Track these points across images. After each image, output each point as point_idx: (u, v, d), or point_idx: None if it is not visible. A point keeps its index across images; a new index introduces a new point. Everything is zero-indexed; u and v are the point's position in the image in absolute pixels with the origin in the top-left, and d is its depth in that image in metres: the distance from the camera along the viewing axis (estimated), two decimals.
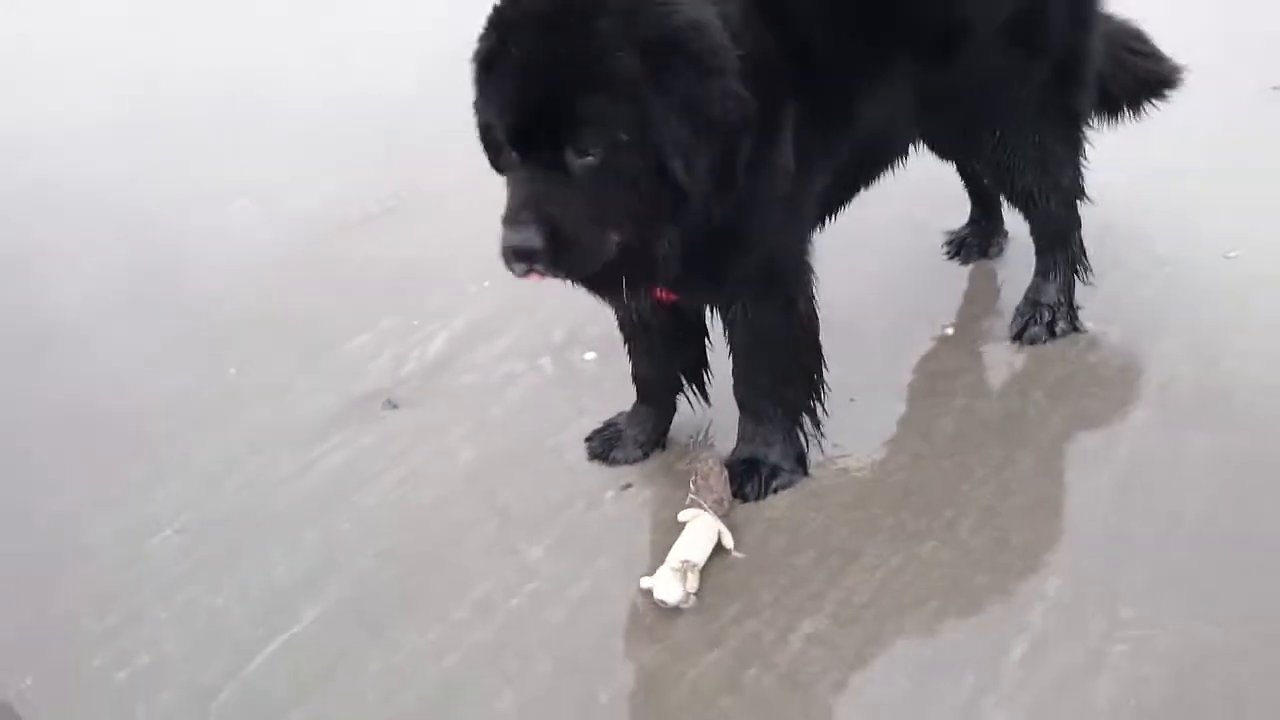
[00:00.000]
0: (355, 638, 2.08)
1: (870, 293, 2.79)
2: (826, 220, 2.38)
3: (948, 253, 2.91)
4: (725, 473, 2.27)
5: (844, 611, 2.00)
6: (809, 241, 2.23)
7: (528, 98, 1.75)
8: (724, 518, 2.19)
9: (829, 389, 2.32)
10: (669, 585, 2.03)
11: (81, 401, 2.83)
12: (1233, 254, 2.74)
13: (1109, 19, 2.60)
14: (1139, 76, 2.62)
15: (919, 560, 2.08)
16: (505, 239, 1.77)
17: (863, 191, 2.45)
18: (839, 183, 2.31)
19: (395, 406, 2.67)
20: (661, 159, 1.79)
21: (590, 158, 1.76)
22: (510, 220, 1.77)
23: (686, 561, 2.06)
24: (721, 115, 1.79)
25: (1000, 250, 2.89)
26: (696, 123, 1.77)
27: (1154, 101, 2.67)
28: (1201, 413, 2.32)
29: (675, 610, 2.03)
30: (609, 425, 2.45)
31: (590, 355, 2.73)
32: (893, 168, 2.48)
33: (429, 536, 2.30)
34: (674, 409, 2.45)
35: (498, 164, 1.90)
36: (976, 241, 2.89)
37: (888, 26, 2.20)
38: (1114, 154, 2.68)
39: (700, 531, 2.13)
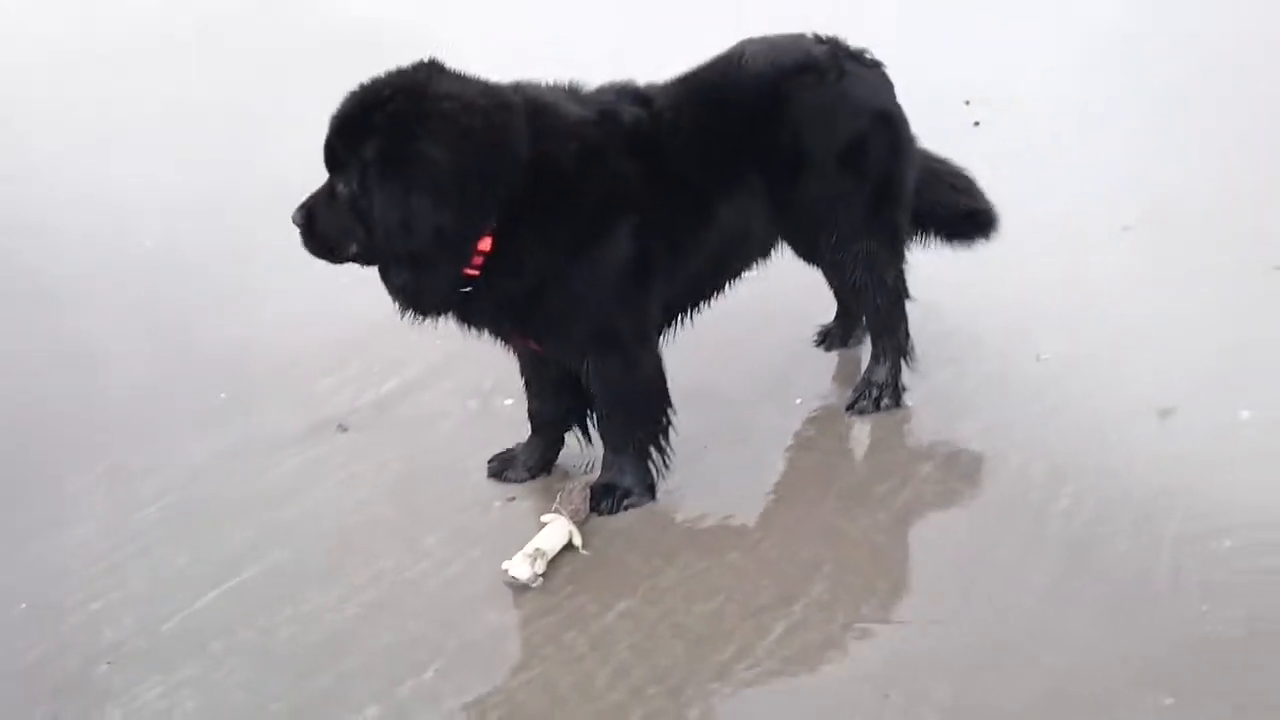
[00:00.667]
0: (279, 590, 2.69)
1: (744, 366, 3.37)
2: (705, 298, 2.99)
3: (815, 341, 3.50)
4: (587, 492, 2.85)
5: (651, 595, 2.56)
6: (649, 314, 2.81)
7: (327, 140, 2.54)
8: (579, 525, 2.76)
9: (678, 434, 2.89)
10: (520, 566, 2.60)
11: (103, 406, 3.52)
12: (1044, 356, 3.31)
13: (941, 161, 3.24)
14: (957, 210, 3.24)
15: (721, 565, 2.64)
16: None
17: (735, 279, 3.06)
18: (710, 269, 2.95)
19: (346, 430, 3.29)
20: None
21: (342, 188, 2.51)
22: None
23: (538, 550, 2.64)
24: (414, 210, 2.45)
25: (859, 341, 3.46)
26: (398, 207, 2.45)
27: (976, 238, 3.28)
28: (973, 472, 2.89)
29: (525, 587, 2.60)
30: (507, 451, 3.06)
31: (509, 401, 3.32)
32: (757, 261, 3.09)
33: (354, 524, 2.91)
34: (561, 442, 3.05)
35: None
36: (840, 332, 3.47)
37: (746, 154, 2.86)
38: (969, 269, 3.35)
39: (555, 530, 2.71)
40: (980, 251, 3.32)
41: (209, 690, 2.45)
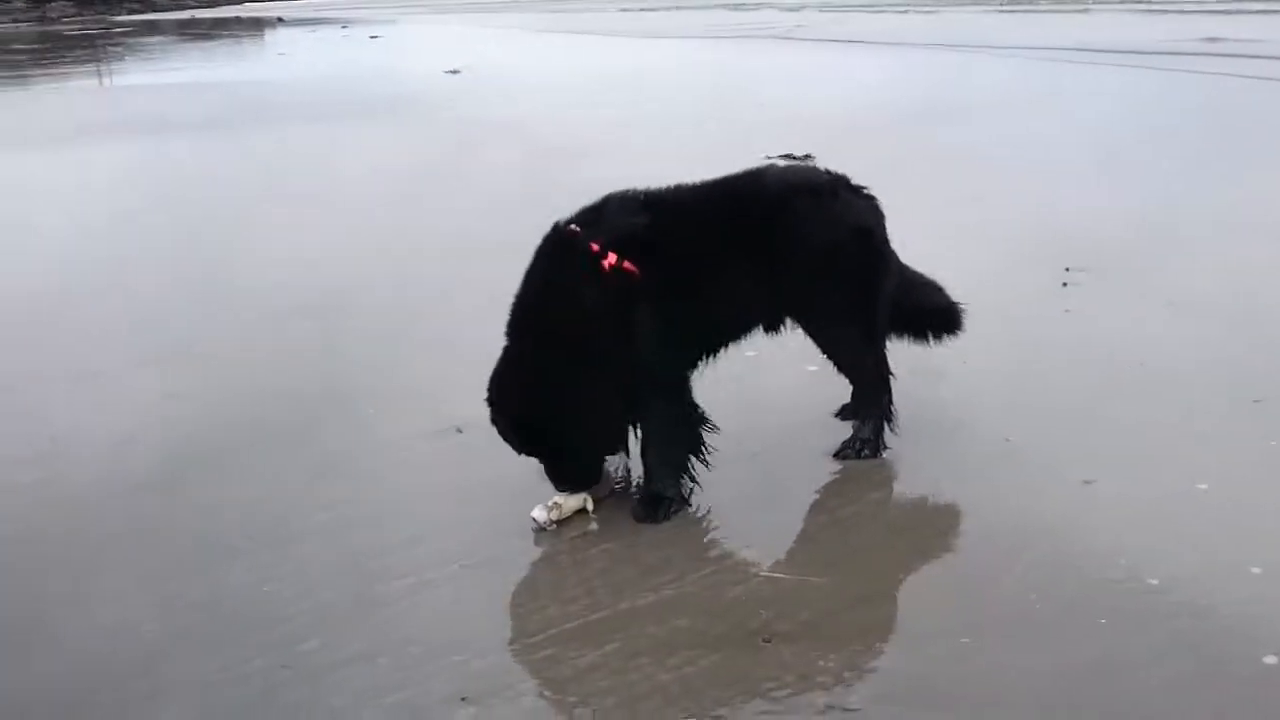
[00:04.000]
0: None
1: (777, 421, 4.24)
2: (717, 352, 3.83)
3: (837, 413, 4.31)
4: (610, 478, 3.77)
5: (629, 549, 3.45)
6: (674, 372, 3.63)
7: None
8: (597, 501, 3.69)
9: (707, 463, 3.68)
10: (539, 511, 3.55)
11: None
12: (1007, 440, 4.01)
13: (913, 272, 4.04)
14: (925, 309, 4.04)
15: (672, 535, 3.51)
16: None
17: (736, 342, 3.85)
18: (716, 334, 3.79)
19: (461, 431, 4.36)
20: None
21: None
22: None
23: (556, 503, 3.59)
24: None
25: None
26: None
27: (944, 336, 4.07)
28: (906, 498, 3.64)
29: (541, 529, 3.54)
30: None
31: None
32: (754, 329, 3.85)
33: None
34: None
35: None
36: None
37: (741, 248, 3.69)
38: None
39: (576, 497, 3.65)
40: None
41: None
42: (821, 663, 2.82)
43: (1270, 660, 2.77)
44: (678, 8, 30.16)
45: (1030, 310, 5.36)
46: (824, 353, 3.99)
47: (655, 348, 3.56)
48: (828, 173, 3.92)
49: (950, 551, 3.37)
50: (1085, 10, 25.36)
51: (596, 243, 3.49)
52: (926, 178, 8.15)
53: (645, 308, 3.52)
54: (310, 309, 5.87)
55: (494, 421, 3.57)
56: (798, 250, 3.75)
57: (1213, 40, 16.47)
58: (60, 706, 2.81)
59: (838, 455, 3.97)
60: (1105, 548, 3.28)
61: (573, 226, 3.56)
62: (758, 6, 29.61)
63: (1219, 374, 4.53)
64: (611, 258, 3.47)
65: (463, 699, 2.72)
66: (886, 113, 11.64)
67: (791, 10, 28.36)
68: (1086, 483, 3.67)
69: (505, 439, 3.57)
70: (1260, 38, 16.68)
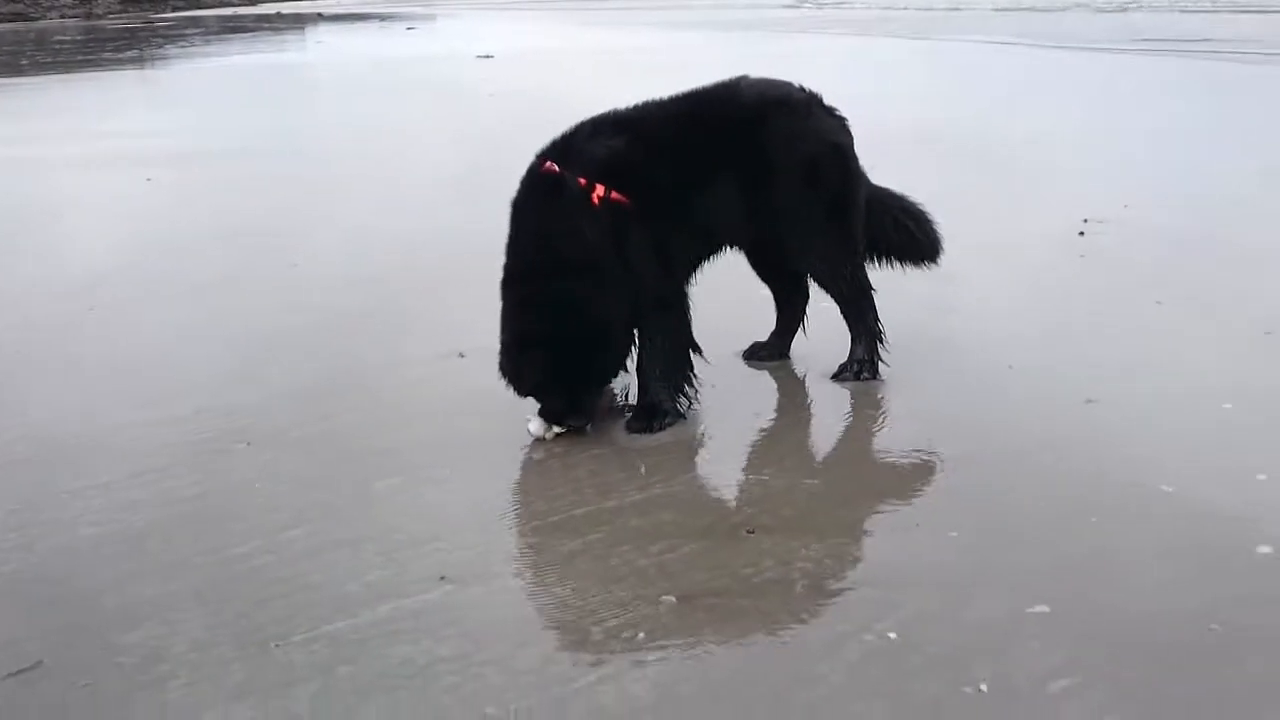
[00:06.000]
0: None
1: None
2: (701, 265, 3.80)
3: (744, 355, 4.17)
4: (609, 395, 3.75)
5: (611, 454, 3.44)
6: (667, 283, 3.61)
7: None
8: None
9: (697, 377, 3.67)
10: (536, 424, 3.54)
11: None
12: (1010, 367, 3.96)
13: (897, 196, 4.00)
14: (904, 235, 3.98)
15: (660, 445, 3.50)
16: None
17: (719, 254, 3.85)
18: (703, 248, 3.78)
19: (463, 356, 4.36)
20: None
21: None
22: None
23: None
24: None
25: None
26: None
27: (924, 264, 4.03)
28: (904, 416, 3.61)
29: (540, 439, 3.54)
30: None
31: None
32: (738, 242, 3.86)
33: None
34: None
35: None
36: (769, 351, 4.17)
37: (721, 164, 3.69)
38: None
39: None
40: None
41: None
42: (804, 551, 2.79)
43: (1265, 550, 2.71)
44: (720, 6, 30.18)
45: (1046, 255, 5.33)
46: (802, 267, 3.96)
47: (652, 267, 3.58)
48: (802, 89, 3.90)
49: (946, 462, 3.31)
50: None
51: (584, 177, 3.49)
52: None
53: (639, 230, 3.54)
54: (347, 246, 6.05)
55: (513, 363, 3.54)
56: (776, 163, 3.74)
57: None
58: (52, 584, 2.82)
59: (836, 378, 3.94)
60: (1105, 458, 3.24)
61: (549, 164, 3.54)
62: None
63: (1231, 310, 4.47)
64: (600, 189, 3.48)
65: (441, 577, 2.72)
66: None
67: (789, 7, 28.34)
68: (1089, 402, 3.61)
69: (514, 382, 3.55)
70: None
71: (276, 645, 2.48)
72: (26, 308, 5.15)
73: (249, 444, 3.55)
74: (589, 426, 3.57)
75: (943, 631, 2.44)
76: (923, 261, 4.06)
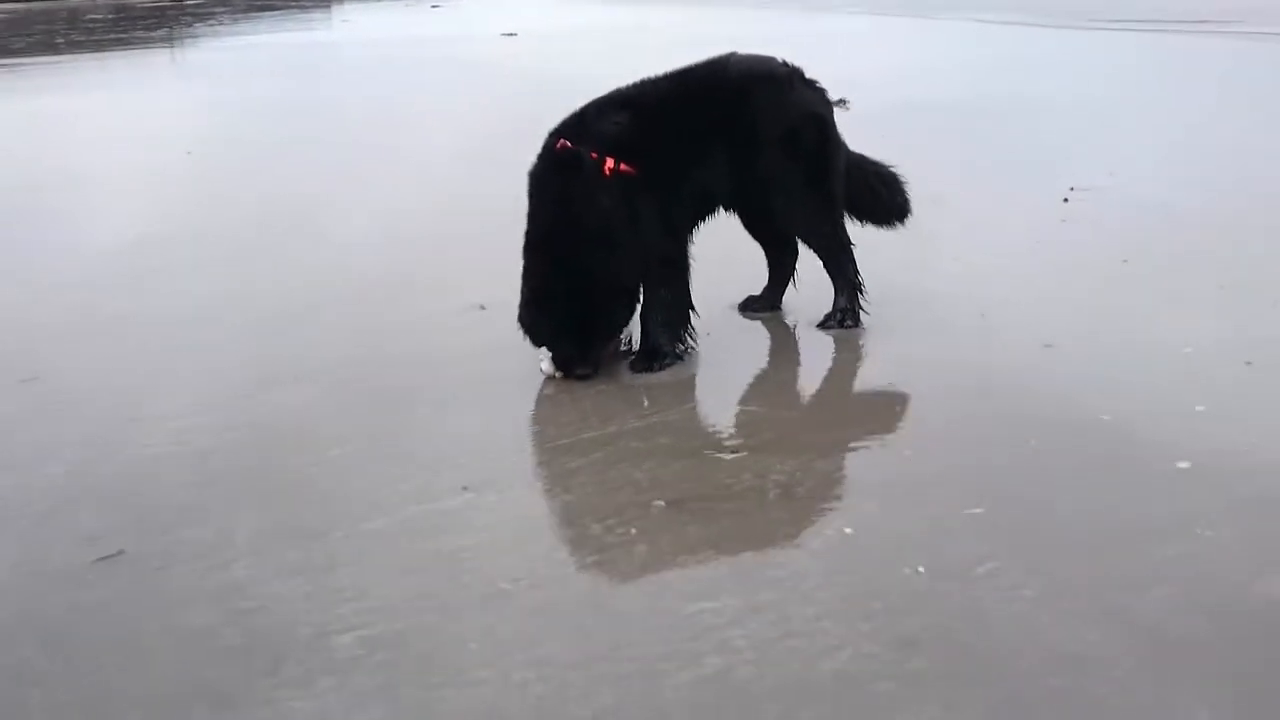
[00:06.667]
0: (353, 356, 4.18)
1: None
2: (699, 226, 4.20)
3: (740, 308, 4.58)
4: (615, 342, 4.16)
5: (615, 388, 3.85)
6: (670, 243, 4.00)
7: None
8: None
9: (694, 327, 4.07)
10: (548, 364, 3.96)
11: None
12: (982, 316, 4.34)
13: (873, 161, 4.39)
14: (875, 198, 4.37)
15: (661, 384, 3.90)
16: None
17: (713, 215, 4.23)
18: (699, 210, 4.17)
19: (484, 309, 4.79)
20: None
21: None
22: None
23: None
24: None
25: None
26: None
27: (895, 223, 4.42)
28: (879, 358, 4.00)
29: (551, 377, 3.96)
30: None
31: None
32: (729, 205, 4.26)
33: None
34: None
35: None
36: (762, 303, 4.58)
37: (713, 135, 4.09)
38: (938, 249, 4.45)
39: None
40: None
41: None
42: (778, 466, 3.19)
43: (1183, 464, 3.10)
44: None
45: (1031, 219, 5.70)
46: (787, 227, 4.34)
47: (658, 230, 3.99)
48: (785, 64, 4.28)
49: (913, 398, 3.69)
50: None
51: (595, 152, 3.90)
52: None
53: (645, 197, 3.94)
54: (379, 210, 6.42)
55: (530, 316, 3.92)
56: (761, 133, 4.12)
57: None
58: (127, 491, 3.27)
59: (821, 326, 4.34)
60: (1055, 394, 3.62)
61: (564, 141, 3.93)
62: None
63: (1193, 269, 4.83)
64: (610, 162, 3.89)
65: (464, 488, 3.15)
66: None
67: None
68: (1047, 346, 3.99)
69: (530, 333, 3.94)
70: None
71: (323, 537, 2.92)
72: (86, 269, 5.62)
73: (296, 379, 4.00)
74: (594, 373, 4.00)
75: (891, 528, 2.85)
76: (891, 222, 4.45)
